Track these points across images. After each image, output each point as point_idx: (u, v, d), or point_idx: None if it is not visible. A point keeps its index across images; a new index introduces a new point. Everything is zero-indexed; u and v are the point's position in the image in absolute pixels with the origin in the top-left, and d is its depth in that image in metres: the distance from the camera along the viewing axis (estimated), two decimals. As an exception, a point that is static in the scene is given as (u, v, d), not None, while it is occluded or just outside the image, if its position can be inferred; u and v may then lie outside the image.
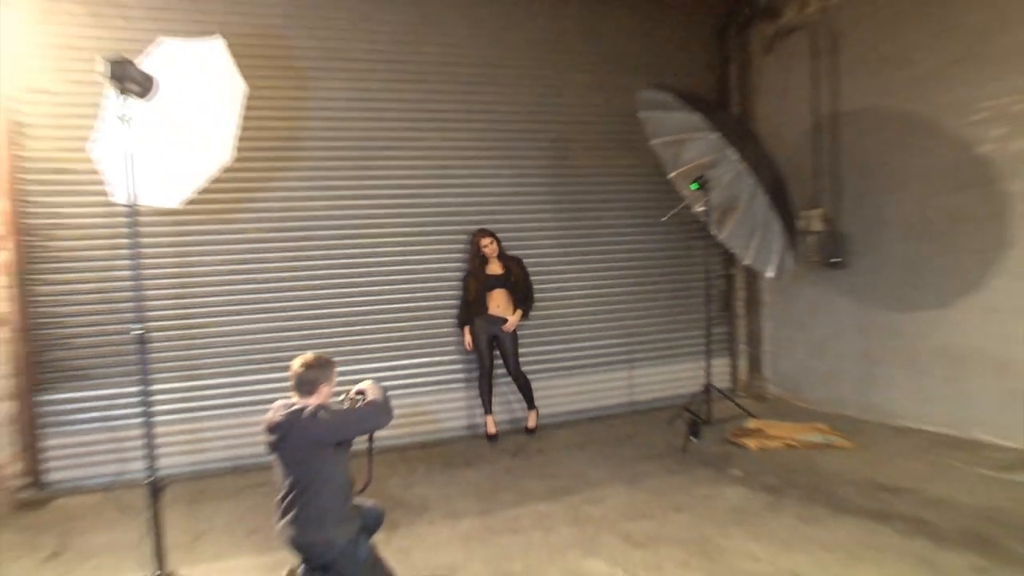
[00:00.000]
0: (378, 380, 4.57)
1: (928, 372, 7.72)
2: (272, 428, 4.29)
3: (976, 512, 5.59)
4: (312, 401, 4.43)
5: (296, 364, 4.40)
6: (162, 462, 6.54)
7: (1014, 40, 6.91)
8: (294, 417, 4.23)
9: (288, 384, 4.50)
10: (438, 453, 7.66)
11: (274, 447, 4.31)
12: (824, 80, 8.55)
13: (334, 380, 4.53)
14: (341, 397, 4.53)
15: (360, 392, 4.44)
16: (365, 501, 4.62)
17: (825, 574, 4.69)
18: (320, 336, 7.62)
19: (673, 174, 8.13)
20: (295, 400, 4.42)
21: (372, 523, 4.76)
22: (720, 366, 9.47)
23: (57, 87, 6.80)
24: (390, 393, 4.45)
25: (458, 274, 8.15)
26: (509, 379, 8.16)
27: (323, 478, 4.28)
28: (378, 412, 4.29)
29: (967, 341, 7.38)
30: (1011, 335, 7.04)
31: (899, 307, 7.96)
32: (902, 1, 7.78)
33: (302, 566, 4.41)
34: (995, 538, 5.13)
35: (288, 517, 4.31)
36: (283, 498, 4.35)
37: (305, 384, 4.38)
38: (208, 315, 7.33)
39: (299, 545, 4.35)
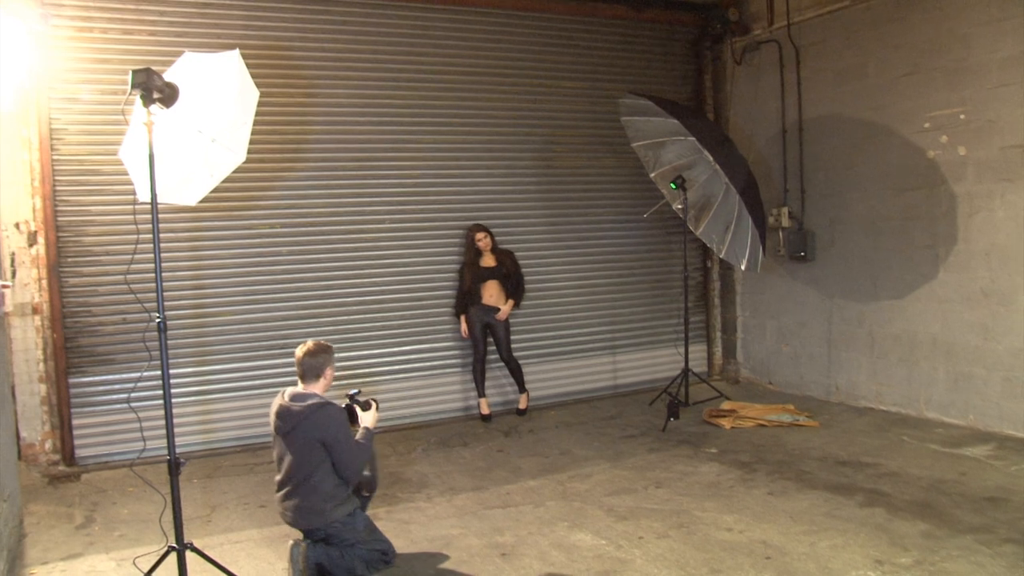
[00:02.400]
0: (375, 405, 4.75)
1: (885, 357, 7.75)
2: (285, 415, 4.32)
3: (927, 484, 5.62)
4: (320, 385, 4.46)
5: (300, 353, 4.44)
6: (180, 441, 6.54)
7: (953, 59, 7.00)
8: (310, 411, 4.28)
9: (295, 371, 4.52)
10: (435, 433, 7.66)
11: (283, 434, 4.34)
12: (790, 89, 8.54)
13: (334, 363, 4.59)
14: (352, 393, 4.66)
15: (362, 399, 4.65)
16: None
17: (793, 543, 4.71)
18: (325, 324, 7.61)
19: (653, 174, 8.12)
20: (304, 389, 4.45)
21: (367, 489, 4.76)
22: (697, 352, 9.47)
23: (89, 96, 6.78)
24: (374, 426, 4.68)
25: (454, 266, 8.13)
26: (502, 364, 8.16)
27: (326, 468, 4.32)
28: (364, 451, 4.44)
29: (919, 328, 7.42)
30: (958, 323, 7.09)
31: (859, 297, 7.99)
32: (857, 20, 7.81)
33: (306, 540, 4.42)
34: (944, 508, 5.16)
35: (291, 503, 4.35)
36: (284, 481, 4.38)
37: (312, 370, 4.43)
38: (222, 304, 7.31)
39: (300, 527, 4.39)
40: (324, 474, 4.33)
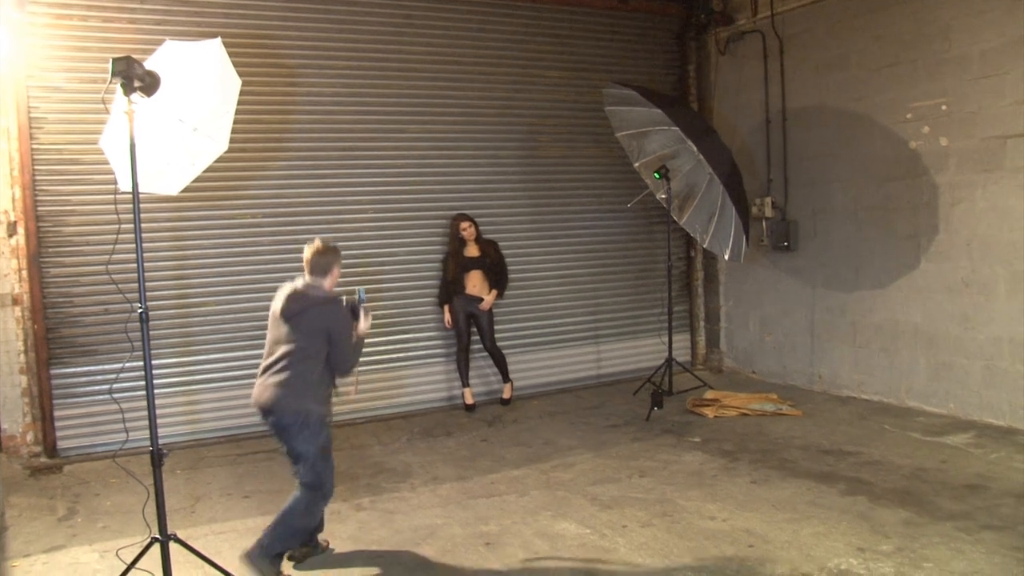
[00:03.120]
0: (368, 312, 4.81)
1: (867, 346, 7.80)
2: (297, 298, 4.50)
3: (908, 473, 5.67)
4: (327, 282, 4.63)
5: (308, 252, 4.59)
6: (163, 431, 6.49)
7: (935, 51, 7.04)
8: (324, 301, 4.51)
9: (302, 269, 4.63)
10: (419, 423, 7.66)
11: (290, 316, 4.47)
12: (773, 80, 8.56)
13: (340, 263, 4.73)
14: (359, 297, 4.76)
15: (360, 303, 4.68)
16: None
17: (775, 531, 4.74)
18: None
19: (637, 164, 8.14)
20: (314, 281, 4.59)
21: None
22: (680, 341, 9.45)
23: (68, 85, 6.71)
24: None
25: (438, 256, 8.11)
26: (485, 354, 8.17)
27: (320, 357, 4.45)
28: (358, 351, 4.63)
29: (901, 317, 7.47)
30: (939, 312, 7.14)
31: (841, 287, 8.03)
32: (840, 11, 7.83)
33: (249, 549, 4.39)
34: (924, 495, 5.21)
35: (276, 379, 4.43)
36: (275, 362, 4.48)
37: (320, 267, 4.58)
38: (204, 295, 7.27)
39: (274, 405, 4.42)
40: (315, 364, 4.44)
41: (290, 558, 4.55)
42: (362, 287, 4.88)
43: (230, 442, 7.16)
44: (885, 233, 7.57)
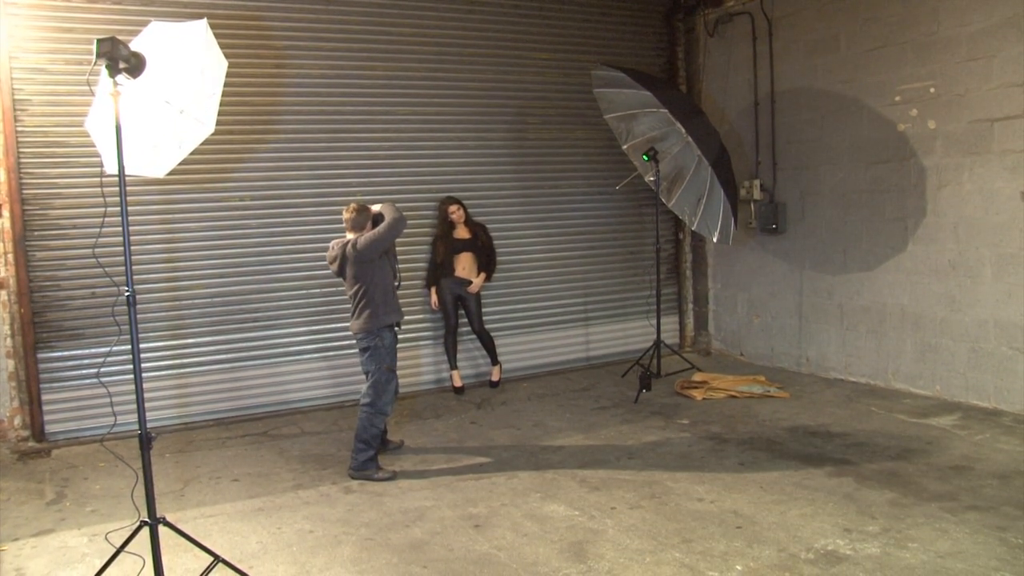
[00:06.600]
0: (391, 201, 5.97)
1: (854, 328, 7.84)
2: (333, 259, 5.76)
3: (895, 454, 5.71)
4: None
5: (347, 212, 5.72)
6: (151, 415, 6.48)
7: (924, 33, 7.02)
8: (344, 247, 5.67)
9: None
10: (408, 405, 7.65)
11: (338, 272, 5.77)
12: (762, 62, 8.54)
13: (372, 217, 5.81)
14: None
15: (378, 213, 5.76)
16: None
17: (763, 512, 4.77)
18: (297, 296, 7.58)
19: (626, 146, 8.12)
20: (355, 237, 5.67)
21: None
22: (669, 324, 9.51)
23: (53, 66, 6.63)
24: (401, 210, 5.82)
25: (426, 239, 8.10)
26: (474, 336, 8.17)
27: (374, 282, 5.67)
28: (394, 225, 5.61)
29: (888, 300, 7.50)
30: (926, 294, 7.17)
31: (829, 269, 8.05)
32: (830, -8, 7.83)
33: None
34: (910, 477, 5.24)
35: (354, 313, 5.73)
36: (353, 303, 5.73)
37: (357, 224, 5.71)
38: (193, 277, 7.23)
39: (357, 329, 5.74)
40: (373, 287, 5.64)
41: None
42: (377, 208, 5.83)
43: (219, 425, 7.15)
44: (873, 215, 7.59)
